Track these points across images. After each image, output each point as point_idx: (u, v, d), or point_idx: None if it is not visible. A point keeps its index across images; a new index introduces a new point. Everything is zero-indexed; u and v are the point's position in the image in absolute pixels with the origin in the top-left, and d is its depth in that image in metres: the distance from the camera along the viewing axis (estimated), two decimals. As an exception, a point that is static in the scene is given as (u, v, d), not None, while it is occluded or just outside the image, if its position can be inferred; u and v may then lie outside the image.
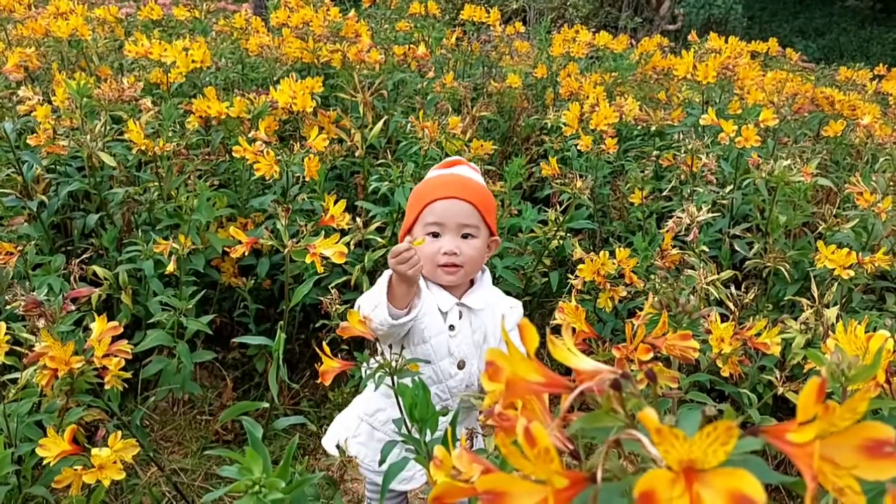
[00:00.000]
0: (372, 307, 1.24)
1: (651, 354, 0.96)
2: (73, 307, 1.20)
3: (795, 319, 2.04)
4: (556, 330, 1.10)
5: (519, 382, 0.48)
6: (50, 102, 2.38)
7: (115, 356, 1.27)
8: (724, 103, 3.20)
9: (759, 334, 1.40)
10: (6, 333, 1.27)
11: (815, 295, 1.96)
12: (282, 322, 1.31)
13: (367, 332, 1.11)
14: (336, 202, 2.18)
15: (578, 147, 2.63)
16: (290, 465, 0.81)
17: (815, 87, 3.57)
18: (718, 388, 2.00)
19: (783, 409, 2.00)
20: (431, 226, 1.34)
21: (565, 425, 0.55)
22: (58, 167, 2.33)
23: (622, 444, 0.50)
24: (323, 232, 1.29)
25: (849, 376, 0.79)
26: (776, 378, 1.60)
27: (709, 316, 1.33)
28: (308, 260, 1.15)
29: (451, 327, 1.37)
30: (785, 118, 2.36)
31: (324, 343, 1.06)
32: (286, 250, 1.20)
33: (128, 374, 1.28)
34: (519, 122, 3.57)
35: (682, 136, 2.58)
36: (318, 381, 1.18)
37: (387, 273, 1.28)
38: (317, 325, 2.17)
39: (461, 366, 1.37)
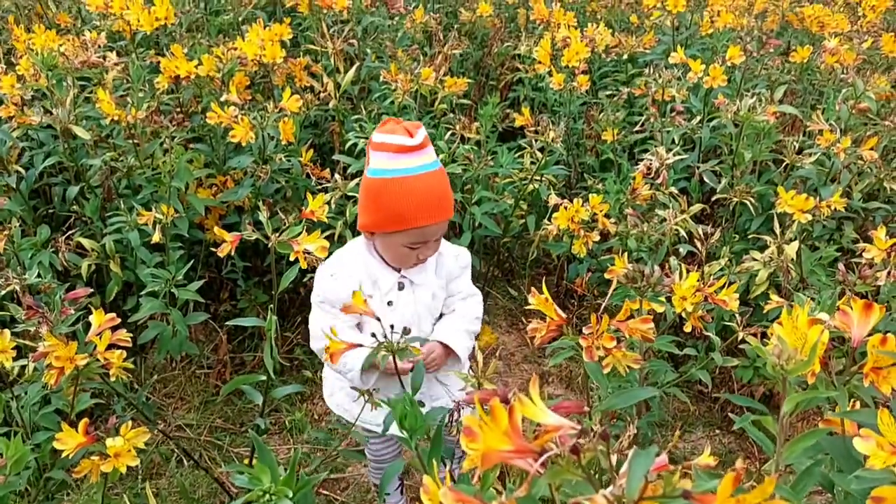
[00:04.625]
0: (347, 360, 1.35)
1: (614, 343, 1.05)
2: (71, 310, 1.26)
3: (760, 251, 2.15)
4: (531, 313, 1.18)
5: (493, 454, 0.57)
6: (10, 63, 2.31)
7: (118, 347, 1.34)
8: (695, 27, 3.17)
9: (719, 291, 1.50)
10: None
11: (777, 232, 2.06)
12: (272, 305, 1.38)
13: (369, 311, 1.17)
14: (313, 160, 2.19)
15: (551, 85, 2.64)
16: (295, 472, 0.91)
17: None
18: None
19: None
20: (414, 244, 1.35)
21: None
22: (30, 133, 2.30)
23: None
24: (304, 223, 1.34)
25: (787, 369, 0.89)
26: (737, 323, 1.71)
27: (671, 277, 1.42)
28: (293, 257, 1.21)
29: (389, 303, 1.42)
30: (751, 54, 2.37)
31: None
32: (270, 244, 1.26)
33: (130, 365, 1.35)
34: (492, 50, 3.51)
35: (653, 68, 2.58)
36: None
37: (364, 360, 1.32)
38: (305, 277, 2.24)
39: (406, 331, 1.36)
